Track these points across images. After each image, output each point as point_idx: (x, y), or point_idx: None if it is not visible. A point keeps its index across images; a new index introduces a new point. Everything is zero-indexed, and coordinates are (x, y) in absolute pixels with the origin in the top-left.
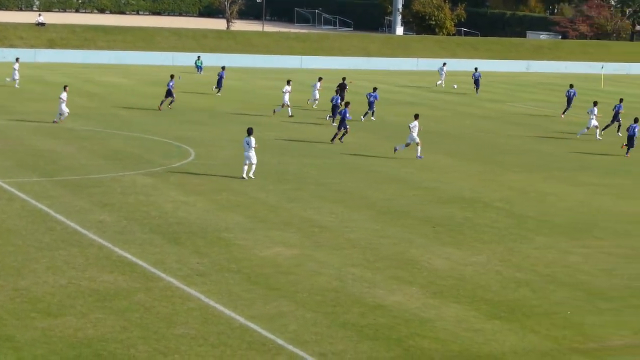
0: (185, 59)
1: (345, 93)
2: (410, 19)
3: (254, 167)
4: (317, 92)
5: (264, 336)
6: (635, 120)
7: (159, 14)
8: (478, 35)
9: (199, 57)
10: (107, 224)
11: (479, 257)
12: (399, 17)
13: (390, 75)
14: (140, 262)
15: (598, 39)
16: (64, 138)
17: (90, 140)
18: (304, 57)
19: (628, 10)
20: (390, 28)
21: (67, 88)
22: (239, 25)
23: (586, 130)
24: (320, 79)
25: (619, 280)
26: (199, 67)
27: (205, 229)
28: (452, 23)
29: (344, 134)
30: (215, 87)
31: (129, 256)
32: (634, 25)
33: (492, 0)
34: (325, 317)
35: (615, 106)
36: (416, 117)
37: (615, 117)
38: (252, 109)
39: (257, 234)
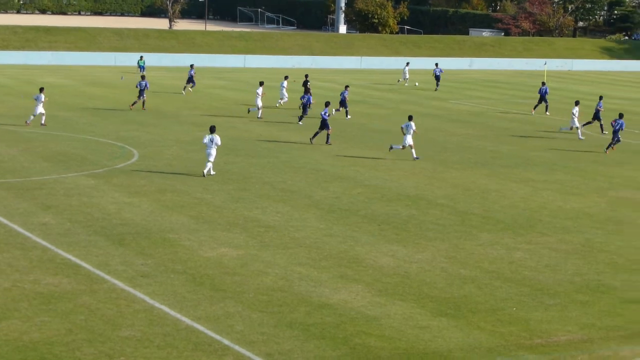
0: (128, 59)
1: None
2: (354, 18)
3: (209, 164)
4: (284, 90)
5: (211, 337)
6: (620, 116)
7: (100, 14)
8: (421, 33)
9: (141, 57)
10: (51, 226)
11: (424, 254)
12: (342, 16)
13: (334, 74)
14: (84, 264)
15: (540, 36)
16: (6, 140)
17: (32, 142)
18: (247, 56)
19: (570, 7)
20: (334, 26)
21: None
22: (182, 24)
23: (569, 128)
24: (286, 78)
25: (564, 275)
26: (141, 67)
27: (149, 230)
28: (395, 21)
29: (328, 135)
30: (188, 84)
31: (73, 258)
32: (576, 22)
33: None
34: (271, 316)
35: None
36: (410, 118)
37: (596, 116)
38: (196, 108)
39: (202, 235)
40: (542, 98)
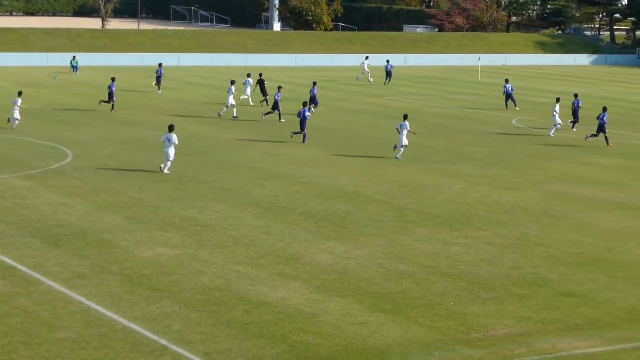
0: (61, 59)
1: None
2: (288, 15)
3: (169, 163)
4: (249, 89)
5: (148, 337)
6: (604, 109)
7: (32, 14)
8: (355, 30)
9: (74, 57)
10: None
11: (362, 250)
12: (276, 13)
13: (269, 71)
14: (19, 266)
15: (474, 31)
16: None
17: None
18: (181, 55)
19: (503, 2)
20: (268, 24)
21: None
22: (114, 23)
23: (555, 128)
24: (248, 75)
25: (500, 269)
26: (74, 67)
27: (85, 231)
28: (329, 18)
29: (304, 135)
30: (155, 84)
31: (8, 260)
32: (509, 17)
33: None
34: (209, 316)
35: (573, 102)
36: (405, 117)
37: (573, 113)
38: (129, 107)
39: (138, 235)
40: (509, 96)
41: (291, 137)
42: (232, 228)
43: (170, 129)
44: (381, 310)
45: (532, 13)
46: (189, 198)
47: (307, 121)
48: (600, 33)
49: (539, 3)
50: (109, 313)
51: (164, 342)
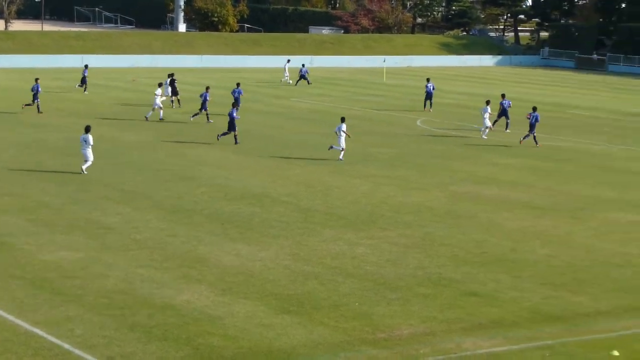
0: None
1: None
2: (193, 16)
3: (88, 163)
4: (169, 89)
5: (51, 342)
6: (534, 109)
7: None
8: (261, 31)
9: None
10: None
11: (268, 252)
12: (182, 14)
13: (175, 73)
14: None
15: (380, 33)
16: None
17: None
18: (86, 56)
19: (409, 3)
20: (173, 25)
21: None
22: (18, 25)
23: (486, 130)
24: (169, 75)
25: (405, 269)
26: None
27: None
28: (235, 19)
29: (235, 135)
30: (79, 85)
31: None
32: (414, 18)
33: None
34: (113, 319)
35: (502, 103)
36: (342, 120)
37: (504, 114)
38: (34, 109)
39: (41, 238)
40: (429, 95)
41: (218, 139)
42: (136, 231)
43: (87, 129)
44: (287, 311)
45: (437, 15)
46: (93, 201)
47: (235, 122)
48: (505, 34)
49: (443, 5)
50: (10, 317)
51: (67, 346)
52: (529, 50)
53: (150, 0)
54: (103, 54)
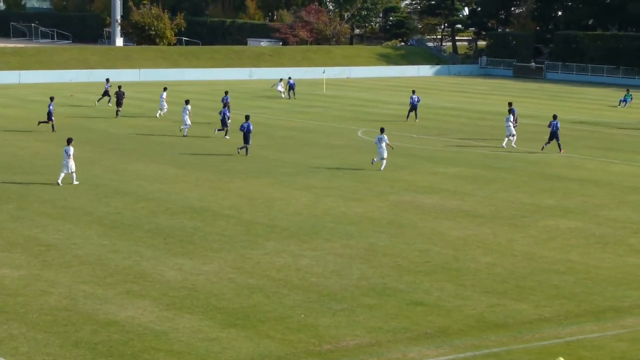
0: None
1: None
2: (130, 30)
3: (74, 174)
4: (164, 102)
5: None
6: (554, 117)
7: None
8: (199, 44)
9: None
10: None
11: (211, 265)
12: (118, 28)
13: (112, 87)
14: None
15: (318, 44)
16: None
17: None
18: (22, 72)
19: (346, 14)
20: (110, 39)
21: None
22: None
23: (508, 139)
24: (165, 89)
25: (349, 280)
26: None
27: None
28: (173, 33)
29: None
30: (104, 97)
31: None
32: (352, 29)
33: (212, 9)
34: (57, 336)
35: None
36: (382, 130)
37: (414, 108)
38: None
39: None
40: (414, 107)
41: (238, 152)
42: (77, 247)
43: (69, 141)
44: (232, 325)
45: (375, 25)
46: (32, 218)
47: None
48: (443, 44)
49: (381, 15)
50: None
51: None
52: (467, 59)
53: (86, 15)
54: (40, 69)
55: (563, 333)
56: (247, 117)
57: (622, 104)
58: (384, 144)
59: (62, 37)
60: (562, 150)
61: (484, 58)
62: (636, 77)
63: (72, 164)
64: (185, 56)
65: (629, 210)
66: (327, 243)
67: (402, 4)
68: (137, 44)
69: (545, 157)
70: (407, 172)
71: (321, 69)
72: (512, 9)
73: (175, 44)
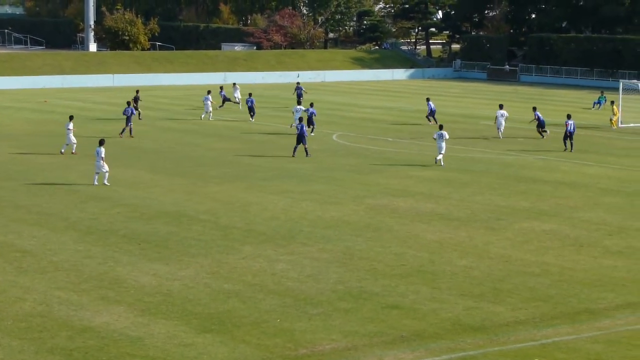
0: None
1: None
2: (104, 35)
3: (106, 174)
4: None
5: None
6: (569, 117)
7: None
8: (173, 49)
9: None
10: None
11: (187, 271)
12: (92, 34)
13: (86, 92)
14: None
15: (292, 48)
16: None
17: None
18: None
19: (320, 19)
20: (84, 45)
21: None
22: None
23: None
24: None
25: (326, 284)
26: None
27: None
28: (146, 38)
29: (305, 149)
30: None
31: None
32: (326, 33)
33: (185, 14)
34: (32, 343)
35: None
36: (441, 127)
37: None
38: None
39: None
40: (432, 112)
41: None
42: (52, 253)
43: (101, 143)
44: (208, 330)
45: (349, 29)
46: (6, 224)
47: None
48: (417, 47)
49: (355, 19)
50: None
51: None
52: (441, 62)
53: (60, 21)
54: (13, 75)
55: (539, 335)
56: (250, 94)
57: (597, 106)
58: (444, 142)
59: (35, 42)
60: (571, 151)
61: (458, 61)
62: (610, 79)
63: (103, 164)
64: (159, 61)
65: (603, 212)
66: (303, 247)
67: (376, 8)
68: (110, 49)
69: (520, 160)
70: (383, 176)
71: (295, 73)
72: (486, 12)
73: (148, 49)
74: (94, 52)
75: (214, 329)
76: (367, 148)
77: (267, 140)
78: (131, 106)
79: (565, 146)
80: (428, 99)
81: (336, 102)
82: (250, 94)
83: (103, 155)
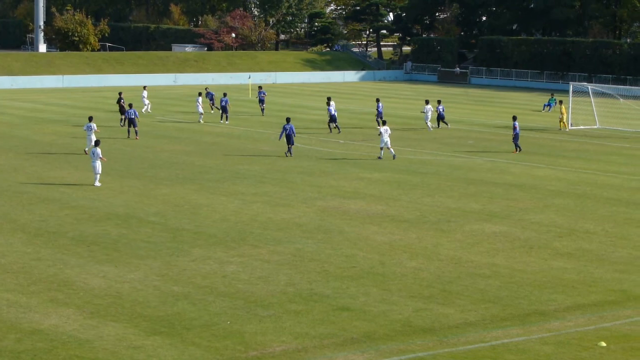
0: None
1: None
2: (53, 36)
3: (98, 176)
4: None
5: None
6: (514, 119)
7: None
8: (123, 50)
9: None
10: None
11: (136, 273)
12: (42, 34)
13: (36, 93)
14: None
15: (244, 50)
16: None
17: None
18: None
19: (271, 20)
20: (33, 45)
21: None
22: None
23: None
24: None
25: (276, 286)
26: None
27: None
28: (96, 38)
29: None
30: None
31: None
32: (278, 35)
33: (135, 15)
34: None
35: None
36: (384, 122)
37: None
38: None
39: None
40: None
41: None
42: (0, 255)
43: (97, 144)
44: (157, 333)
45: (301, 31)
46: None
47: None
48: (368, 49)
49: (306, 21)
50: None
51: None
52: (392, 65)
53: (9, 22)
54: None
55: (489, 337)
56: (224, 94)
57: (547, 108)
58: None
59: None
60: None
61: (409, 63)
62: (560, 81)
63: (98, 165)
64: (109, 62)
65: (553, 214)
66: (254, 249)
67: (327, 10)
68: (60, 50)
69: (469, 162)
70: (334, 178)
71: (247, 74)
72: (437, 14)
73: (99, 50)
74: (43, 53)
75: (163, 331)
76: (318, 150)
77: (218, 142)
78: (133, 108)
79: (517, 148)
80: (378, 100)
81: (287, 104)
82: (225, 94)
83: (99, 155)
